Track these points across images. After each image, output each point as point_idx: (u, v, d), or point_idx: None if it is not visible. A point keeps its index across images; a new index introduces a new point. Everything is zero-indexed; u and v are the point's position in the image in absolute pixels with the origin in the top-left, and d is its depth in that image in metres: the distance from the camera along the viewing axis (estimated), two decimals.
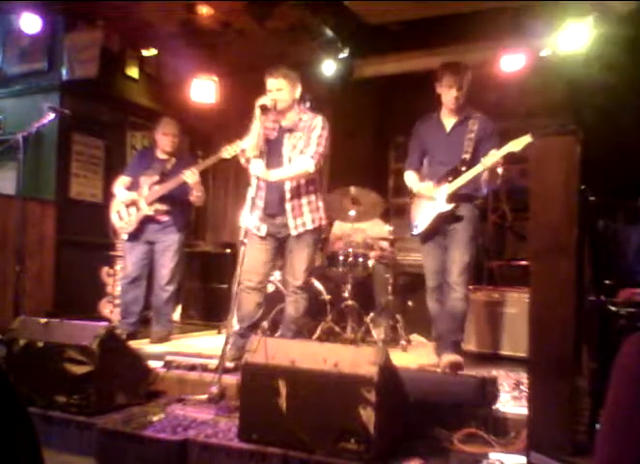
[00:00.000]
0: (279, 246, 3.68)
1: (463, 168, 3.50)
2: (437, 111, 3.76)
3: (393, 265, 4.67)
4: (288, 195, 3.55)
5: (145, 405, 3.05)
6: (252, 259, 3.51)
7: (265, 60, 3.56)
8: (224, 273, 5.69)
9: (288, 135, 3.58)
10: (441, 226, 3.60)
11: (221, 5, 5.30)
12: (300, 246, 3.57)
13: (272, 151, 3.55)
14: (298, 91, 3.59)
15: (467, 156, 3.53)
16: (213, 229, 7.22)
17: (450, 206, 3.52)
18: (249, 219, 3.55)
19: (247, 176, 3.59)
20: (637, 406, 1.17)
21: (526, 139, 3.26)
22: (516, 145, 3.32)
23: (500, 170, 3.51)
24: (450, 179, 3.52)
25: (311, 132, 3.54)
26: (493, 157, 3.39)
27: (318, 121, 3.57)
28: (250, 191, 3.58)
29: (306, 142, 3.53)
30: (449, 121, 3.69)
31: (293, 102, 3.58)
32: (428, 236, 3.67)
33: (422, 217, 3.65)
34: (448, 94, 3.59)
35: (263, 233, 3.58)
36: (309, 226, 3.57)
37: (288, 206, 3.55)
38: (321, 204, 3.67)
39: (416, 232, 3.71)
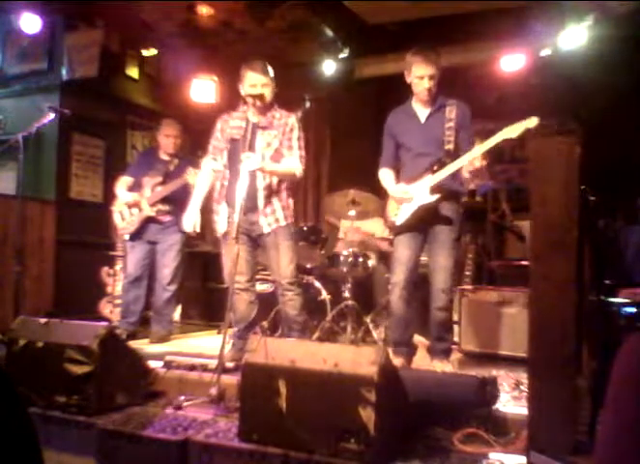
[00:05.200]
0: (255, 243, 3.64)
1: (448, 160, 3.32)
2: (408, 101, 3.58)
3: None
4: (262, 192, 3.49)
5: (145, 405, 3.05)
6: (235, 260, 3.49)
7: (265, 60, 3.55)
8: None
9: (261, 132, 3.52)
10: (420, 222, 3.42)
11: (221, 5, 5.30)
12: (277, 243, 3.52)
13: (241, 148, 3.38)
14: (275, 88, 3.54)
15: (450, 146, 3.35)
16: (213, 229, 7.20)
17: (434, 198, 3.34)
18: (220, 217, 3.60)
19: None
20: (637, 405, 1.17)
21: (523, 125, 3.08)
22: (512, 131, 3.12)
23: (481, 163, 3.23)
24: (434, 169, 3.34)
25: (291, 134, 3.51)
26: (476, 151, 3.20)
27: (293, 121, 3.54)
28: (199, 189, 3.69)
29: (288, 144, 3.50)
30: (422, 111, 3.50)
31: (272, 100, 3.54)
32: (404, 229, 3.47)
33: (402, 210, 3.47)
34: (419, 85, 3.39)
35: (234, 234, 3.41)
36: (282, 223, 3.53)
37: (260, 203, 3.49)
38: (291, 202, 3.64)
39: (395, 220, 3.50)
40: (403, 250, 3.48)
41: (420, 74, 3.38)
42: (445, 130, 3.39)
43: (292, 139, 3.51)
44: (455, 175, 3.36)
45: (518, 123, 3.10)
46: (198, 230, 3.70)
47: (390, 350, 3.46)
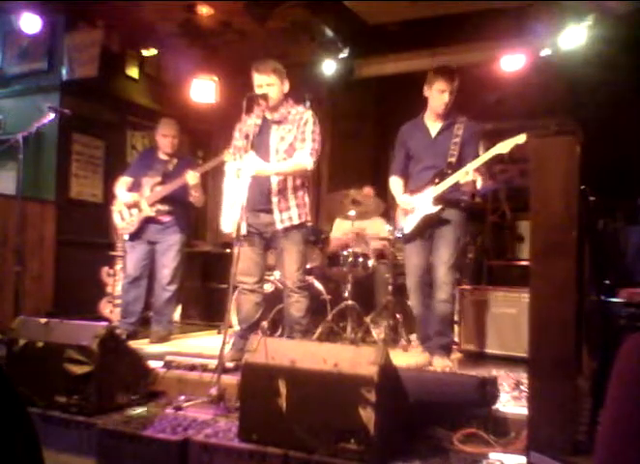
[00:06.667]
0: (267, 245, 3.65)
1: (449, 171, 3.51)
2: (421, 114, 3.76)
3: (394, 265, 4.67)
4: (275, 188, 3.49)
5: (145, 405, 3.05)
6: (244, 261, 3.48)
7: (268, 59, 3.55)
8: (224, 273, 5.67)
9: (276, 127, 3.54)
10: (426, 229, 3.62)
11: (221, 5, 5.31)
12: (289, 246, 3.52)
13: (256, 144, 3.43)
14: (286, 85, 3.56)
15: (453, 159, 3.55)
16: (213, 229, 7.22)
17: (437, 208, 3.52)
18: (230, 220, 3.54)
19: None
20: (637, 405, 1.17)
21: (513, 141, 3.25)
22: (504, 147, 3.31)
23: (473, 176, 3.44)
24: (436, 181, 3.54)
25: (305, 127, 3.50)
26: (474, 164, 3.40)
27: (309, 115, 3.54)
28: (229, 190, 3.61)
29: (301, 137, 3.49)
30: (434, 125, 3.69)
31: (283, 96, 3.56)
32: (412, 237, 3.68)
33: (409, 219, 3.66)
34: (438, 98, 3.58)
35: (243, 231, 3.44)
36: (296, 221, 3.52)
37: (274, 200, 3.49)
38: (307, 200, 3.63)
39: (400, 234, 3.72)
40: (414, 259, 3.69)
41: (441, 88, 3.56)
42: (451, 144, 3.58)
43: (306, 132, 3.50)
44: (458, 185, 3.52)
45: (509, 139, 3.28)
46: (241, 230, 3.52)
47: (420, 348, 3.86)
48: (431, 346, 3.64)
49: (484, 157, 3.39)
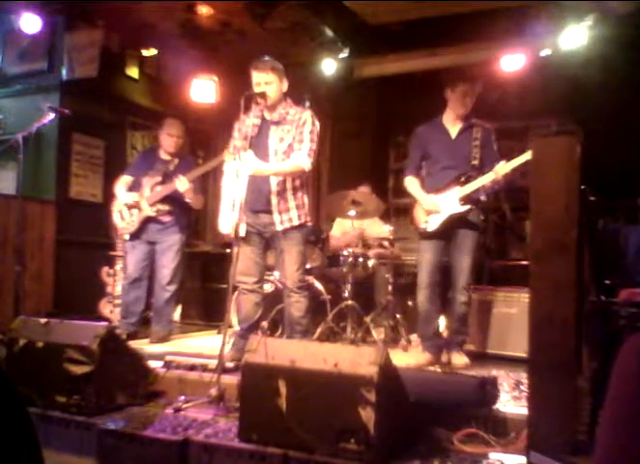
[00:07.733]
0: (267, 245, 3.65)
1: (473, 174, 3.65)
2: (440, 116, 3.84)
3: (393, 265, 4.67)
4: (274, 189, 3.49)
5: (145, 405, 3.05)
6: (244, 261, 3.49)
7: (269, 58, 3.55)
8: (224, 273, 5.68)
9: (274, 128, 3.53)
10: (450, 229, 3.70)
11: (221, 5, 5.30)
12: (288, 246, 3.52)
13: (254, 144, 3.42)
14: (285, 84, 3.55)
15: (476, 162, 3.69)
16: (213, 229, 7.21)
17: (465, 208, 3.64)
18: (229, 220, 3.53)
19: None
20: (637, 405, 1.18)
21: None
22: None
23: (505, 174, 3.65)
24: (462, 181, 3.65)
25: (303, 127, 3.49)
26: (505, 167, 3.56)
27: (307, 115, 3.52)
28: (227, 191, 3.62)
29: (299, 138, 3.48)
30: (453, 127, 3.79)
31: (282, 96, 3.55)
32: (432, 235, 3.74)
33: (433, 218, 3.72)
34: (461, 101, 3.71)
35: (243, 233, 3.43)
36: (295, 222, 3.52)
37: (274, 201, 3.49)
38: (306, 200, 3.63)
39: (426, 227, 3.74)
40: (428, 256, 3.77)
41: (465, 91, 3.69)
42: (472, 147, 3.71)
43: (304, 132, 3.48)
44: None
45: None
46: (240, 232, 3.35)
47: (420, 346, 3.92)
48: (452, 343, 3.78)
49: (516, 161, 3.52)
